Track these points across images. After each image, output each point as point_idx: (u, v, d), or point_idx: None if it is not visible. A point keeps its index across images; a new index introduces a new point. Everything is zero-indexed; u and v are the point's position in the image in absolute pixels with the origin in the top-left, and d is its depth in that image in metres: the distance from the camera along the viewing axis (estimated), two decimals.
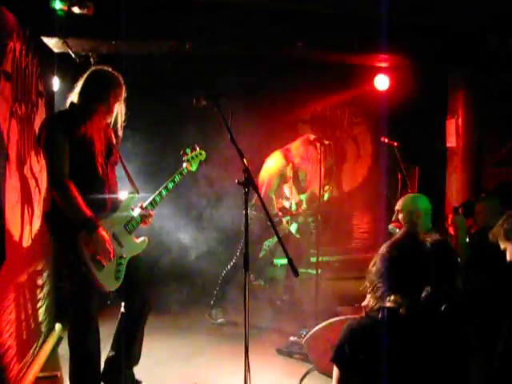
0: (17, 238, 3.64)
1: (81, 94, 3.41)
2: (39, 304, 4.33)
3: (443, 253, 2.24)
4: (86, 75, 3.46)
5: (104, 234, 3.25)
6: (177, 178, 3.82)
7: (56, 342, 4.61)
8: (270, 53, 5.98)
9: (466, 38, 5.62)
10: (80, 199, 3.21)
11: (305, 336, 4.50)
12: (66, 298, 3.46)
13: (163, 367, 4.29)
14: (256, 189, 3.06)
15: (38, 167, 4.28)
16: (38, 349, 4.24)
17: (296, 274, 2.89)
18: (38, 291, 4.32)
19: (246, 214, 3.04)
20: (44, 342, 4.44)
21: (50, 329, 4.73)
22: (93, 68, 3.55)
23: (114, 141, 3.63)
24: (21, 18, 3.68)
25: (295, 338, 4.64)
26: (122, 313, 3.69)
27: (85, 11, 4.24)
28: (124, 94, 3.54)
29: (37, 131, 3.60)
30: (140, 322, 3.71)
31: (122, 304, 3.68)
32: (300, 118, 7.79)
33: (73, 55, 5.15)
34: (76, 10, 4.21)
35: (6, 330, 3.41)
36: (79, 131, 3.29)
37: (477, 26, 5.46)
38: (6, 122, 3.40)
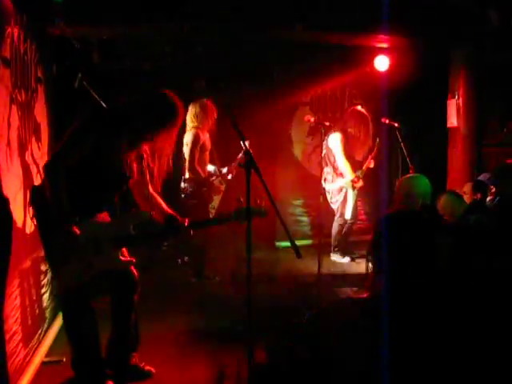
0: (20, 224, 3.65)
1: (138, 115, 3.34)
2: (43, 290, 4.35)
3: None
4: (152, 96, 3.41)
5: (75, 236, 3.17)
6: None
7: (60, 328, 4.64)
8: (269, 35, 5.94)
9: (467, 17, 5.57)
10: (64, 193, 3.14)
11: (308, 318, 4.52)
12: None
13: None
14: (258, 170, 3.06)
15: (39, 153, 4.28)
16: (43, 334, 4.27)
17: (299, 255, 2.90)
18: (42, 277, 4.34)
19: (248, 196, 3.04)
20: (49, 327, 4.47)
21: (55, 314, 4.76)
22: (165, 92, 3.43)
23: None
24: (18, 3, 3.65)
25: (298, 320, 4.66)
26: (111, 297, 3.67)
27: None
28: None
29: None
30: (128, 304, 3.66)
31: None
32: (300, 101, 7.77)
33: (72, 40, 5.12)
34: None
35: (12, 316, 3.43)
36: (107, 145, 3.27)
37: (478, 3, 5.41)
38: (6, 108, 3.39)
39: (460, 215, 4.20)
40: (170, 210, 3.63)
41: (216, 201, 6.12)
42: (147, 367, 3.81)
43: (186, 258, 6.47)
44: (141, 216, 3.52)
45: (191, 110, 5.78)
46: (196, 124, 5.77)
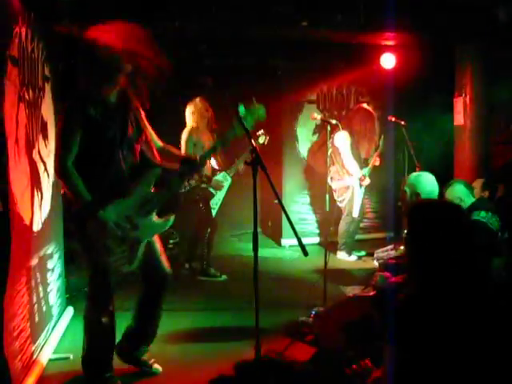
0: (27, 222, 3.66)
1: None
2: (50, 287, 4.37)
3: None
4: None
5: (105, 218, 3.23)
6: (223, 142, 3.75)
7: (68, 325, 4.66)
8: (276, 33, 5.94)
9: (473, 13, 5.55)
10: (81, 185, 3.20)
11: (314, 316, 4.53)
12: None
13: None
14: (264, 168, 3.05)
15: (46, 151, 4.29)
16: (50, 331, 4.29)
17: (305, 253, 2.90)
18: (49, 274, 4.36)
19: (255, 194, 3.04)
20: (56, 324, 4.49)
21: (62, 311, 4.78)
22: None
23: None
24: (26, 1, 3.66)
25: (304, 318, 4.66)
26: (141, 291, 3.75)
27: None
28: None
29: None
30: (158, 300, 3.76)
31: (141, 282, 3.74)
32: (306, 99, 7.76)
33: (77, 39, 5.13)
34: None
35: (19, 313, 3.45)
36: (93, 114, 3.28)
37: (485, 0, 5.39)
38: (14, 106, 3.40)
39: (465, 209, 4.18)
40: (182, 154, 3.71)
41: (219, 196, 6.07)
42: (155, 365, 3.85)
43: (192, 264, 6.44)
44: (153, 173, 3.51)
45: (187, 110, 5.92)
46: (190, 123, 5.89)
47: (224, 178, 6.06)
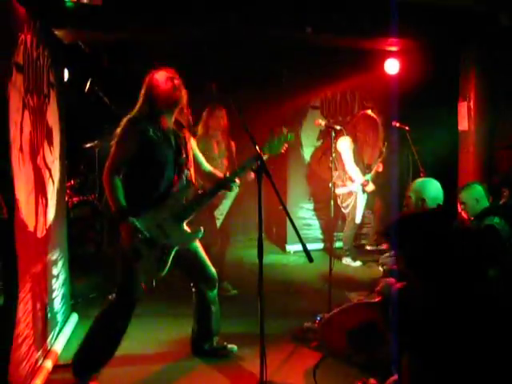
0: (31, 228, 3.67)
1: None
2: (55, 294, 4.37)
3: None
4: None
5: (135, 223, 3.48)
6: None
7: (72, 331, 4.66)
8: (280, 38, 5.94)
9: (477, 18, 5.54)
10: (119, 193, 3.51)
11: (320, 322, 4.52)
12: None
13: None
14: (268, 174, 3.06)
15: (51, 158, 4.30)
16: (54, 338, 4.29)
17: (310, 259, 2.90)
18: (54, 281, 4.36)
19: (260, 201, 3.04)
20: (60, 331, 4.49)
21: (66, 318, 4.78)
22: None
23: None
24: (31, 9, 3.69)
25: (310, 324, 4.65)
26: (194, 295, 4.10)
27: (93, 2, 4.25)
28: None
29: None
30: (208, 300, 4.06)
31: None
32: (310, 105, 7.76)
33: (82, 46, 5.16)
34: (85, 0, 4.23)
35: (24, 320, 3.45)
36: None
37: (488, 5, 5.37)
38: (19, 113, 3.41)
39: (478, 212, 4.15)
40: (221, 175, 3.96)
41: (224, 206, 5.79)
42: (229, 345, 4.26)
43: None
44: (188, 188, 3.80)
45: (204, 115, 5.71)
46: (200, 132, 5.65)
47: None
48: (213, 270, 4.04)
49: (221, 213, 5.81)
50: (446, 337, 1.98)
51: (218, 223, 5.80)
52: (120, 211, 3.50)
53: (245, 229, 7.81)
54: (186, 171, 3.80)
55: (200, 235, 3.80)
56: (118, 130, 3.62)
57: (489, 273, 3.59)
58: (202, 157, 4.05)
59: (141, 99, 3.69)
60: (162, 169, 3.66)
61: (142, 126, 3.60)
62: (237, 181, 3.86)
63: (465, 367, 1.97)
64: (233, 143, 5.81)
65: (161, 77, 3.66)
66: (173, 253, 3.67)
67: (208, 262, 4.03)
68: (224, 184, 3.87)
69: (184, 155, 3.79)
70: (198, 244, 3.96)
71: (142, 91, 3.70)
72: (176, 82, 3.66)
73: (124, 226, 3.49)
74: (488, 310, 2.09)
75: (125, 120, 3.64)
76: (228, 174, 3.91)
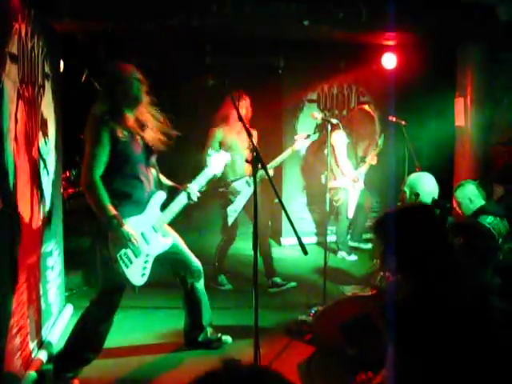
0: (27, 219, 3.66)
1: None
2: (50, 285, 4.37)
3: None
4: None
5: (130, 230, 3.46)
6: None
7: (67, 323, 4.65)
8: (277, 31, 5.92)
9: (474, 12, 5.53)
10: (105, 198, 3.40)
11: (314, 315, 4.53)
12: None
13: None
14: (264, 167, 3.05)
15: (46, 149, 4.29)
16: (49, 329, 4.28)
17: (305, 252, 2.90)
18: (49, 272, 4.35)
19: (255, 194, 3.03)
20: (55, 322, 4.49)
21: (61, 309, 4.77)
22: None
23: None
24: None
25: (304, 317, 4.66)
26: (182, 290, 4.12)
27: None
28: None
29: None
30: (196, 292, 4.10)
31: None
32: (307, 98, 7.75)
33: (78, 36, 5.12)
34: None
35: (19, 311, 3.44)
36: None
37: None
38: (13, 103, 3.39)
39: (472, 212, 4.16)
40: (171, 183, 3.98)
41: (238, 203, 5.59)
42: (224, 336, 4.31)
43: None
44: (160, 196, 3.78)
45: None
46: (220, 122, 5.58)
47: (242, 186, 5.60)
48: (196, 261, 4.06)
49: (234, 209, 5.59)
50: (433, 331, 1.99)
51: (231, 220, 5.61)
52: (109, 218, 3.41)
53: (240, 221, 7.80)
54: (154, 172, 3.81)
55: (169, 246, 3.82)
56: (87, 130, 3.53)
57: (483, 272, 3.62)
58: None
59: (104, 94, 3.64)
60: (134, 168, 3.60)
61: (110, 124, 3.48)
62: (193, 190, 3.86)
63: (451, 361, 1.98)
64: (255, 132, 5.49)
65: (124, 72, 3.60)
66: (151, 261, 3.70)
67: (190, 255, 4.04)
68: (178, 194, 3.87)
69: (152, 155, 3.75)
70: (177, 239, 3.97)
71: (105, 86, 3.68)
72: (139, 77, 3.60)
73: (113, 234, 3.45)
74: (476, 306, 2.10)
75: (91, 118, 3.54)
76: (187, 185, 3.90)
